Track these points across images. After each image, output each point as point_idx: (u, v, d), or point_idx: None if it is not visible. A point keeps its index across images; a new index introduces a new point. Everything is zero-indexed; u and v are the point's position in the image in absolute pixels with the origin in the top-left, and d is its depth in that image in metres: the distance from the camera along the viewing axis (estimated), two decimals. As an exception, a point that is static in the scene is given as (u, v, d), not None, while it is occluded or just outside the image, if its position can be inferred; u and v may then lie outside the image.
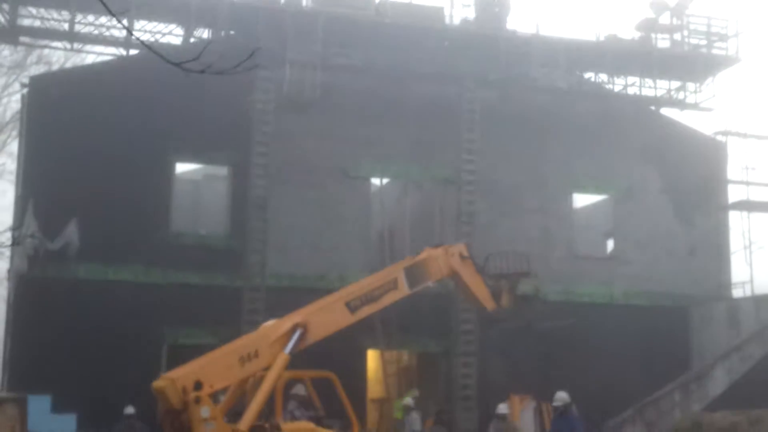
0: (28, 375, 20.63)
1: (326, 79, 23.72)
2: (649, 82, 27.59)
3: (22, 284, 22.11)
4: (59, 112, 22.53)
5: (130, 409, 18.30)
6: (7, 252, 24.29)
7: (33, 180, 22.48)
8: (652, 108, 28.11)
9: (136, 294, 22.04)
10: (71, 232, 21.93)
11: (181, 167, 26.01)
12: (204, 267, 22.74)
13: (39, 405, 19.42)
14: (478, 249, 24.34)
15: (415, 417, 20.58)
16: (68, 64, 36.06)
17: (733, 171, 28.27)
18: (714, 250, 27.24)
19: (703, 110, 28.16)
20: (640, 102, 27.72)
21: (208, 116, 23.30)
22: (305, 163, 24.13)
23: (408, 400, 21.15)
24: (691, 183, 27.34)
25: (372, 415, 24.23)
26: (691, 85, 27.94)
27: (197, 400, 12.08)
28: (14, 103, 35.33)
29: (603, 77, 27.87)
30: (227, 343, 13.72)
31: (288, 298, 22.90)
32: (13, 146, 33.85)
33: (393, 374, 24.39)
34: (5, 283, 29.70)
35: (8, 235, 16.68)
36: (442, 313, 24.23)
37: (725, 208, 27.66)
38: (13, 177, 30.48)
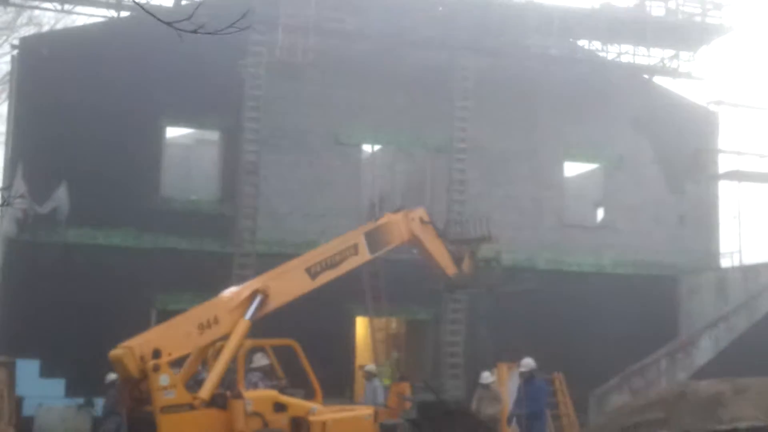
0: (16, 339, 20.64)
1: (319, 44, 23.58)
2: (642, 50, 27.53)
3: (11, 248, 22.06)
4: (49, 74, 22.36)
5: (112, 376, 18.11)
6: (-2, 214, 24.22)
7: (22, 143, 22.35)
8: (646, 76, 28.07)
9: (125, 259, 22.04)
10: (61, 196, 21.88)
11: (172, 131, 25.93)
12: (194, 232, 22.72)
13: (27, 369, 19.51)
14: (469, 217, 24.50)
15: (377, 384, 20.17)
16: (59, 26, 35.75)
17: (724, 141, 28.34)
18: (704, 220, 27.35)
19: (696, 79, 28.12)
20: (634, 70, 27.68)
21: (199, 81, 23.16)
22: (297, 129, 24.06)
23: (370, 367, 20.66)
24: (683, 152, 27.37)
25: (360, 382, 24.31)
26: (684, 54, 27.87)
27: (156, 368, 11.88)
28: (4, 64, 35.09)
29: (597, 45, 27.77)
30: (199, 305, 13.51)
31: (278, 263, 22.97)
32: (3, 108, 33.67)
33: (382, 341, 24.50)
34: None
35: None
36: (431, 280, 24.26)
37: (716, 177, 27.71)
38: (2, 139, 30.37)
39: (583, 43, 27.59)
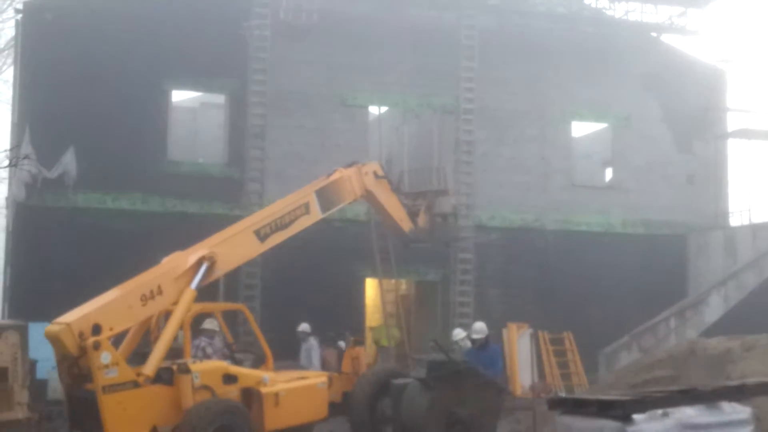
0: (27, 303, 20.73)
1: (323, 5, 23.43)
2: (650, 7, 27.25)
3: (20, 212, 22.14)
4: (53, 39, 22.31)
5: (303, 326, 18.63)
6: (6, 177, 24.26)
7: (29, 108, 22.35)
8: (653, 35, 27.83)
9: (133, 222, 22.10)
10: (68, 161, 21.89)
11: (178, 95, 25.88)
12: (202, 196, 22.76)
13: (40, 333, 19.61)
14: (477, 177, 24.52)
15: (313, 344, 19.23)
16: (62, -10, 35.55)
17: (733, 99, 28.17)
18: (712, 179, 27.25)
19: (704, 37, 27.91)
20: (641, 28, 27.42)
21: (204, 44, 23.07)
22: (303, 92, 24.00)
23: (304, 326, 19.45)
24: (691, 111, 27.21)
25: (369, 343, 24.44)
26: (692, 11, 27.61)
27: (96, 346, 11.13)
28: (9, 29, 34.96)
29: (604, 3, 27.50)
30: (140, 275, 12.73)
31: (286, 226, 23.10)
32: (9, 74, 33.60)
33: (391, 302, 24.53)
34: (4, 212, 29.75)
35: (5, 155, 16.45)
36: (440, 242, 24.30)
37: (724, 136, 27.59)
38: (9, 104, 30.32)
39: (589, 1, 27.36)
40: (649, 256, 25.47)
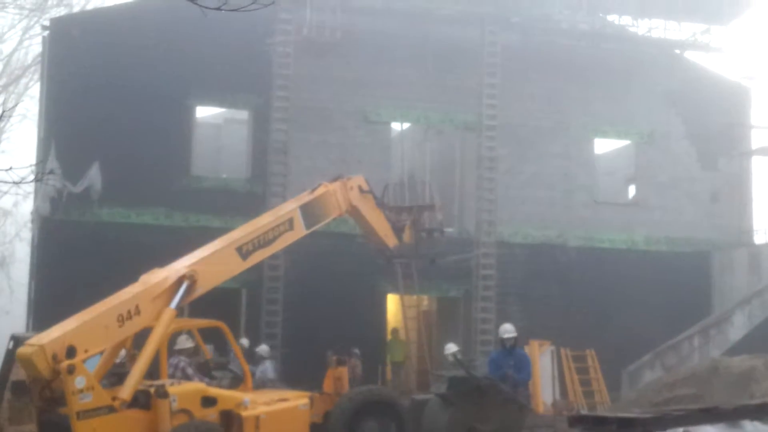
0: (52, 316, 20.69)
1: (346, 21, 23.55)
2: (673, 24, 27.18)
3: (45, 226, 22.34)
4: (80, 55, 22.57)
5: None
6: (31, 192, 24.44)
7: (54, 123, 22.59)
8: (677, 51, 27.75)
9: (157, 237, 22.20)
10: (93, 175, 22.10)
11: (202, 111, 26.06)
12: (225, 210, 22.83)
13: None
14: (499, 194, 24.49)
15: (269, 367, 18.88)
16: (89, 6, 36.01)
17: (757, 116, 28.00)
18: (736, 196, 27.06)
19: (728, 54, 27.77)
20: (664, 45, 27.34)
21: (229, 60, 23.26)
22: (325, 107, 24.09)
23: (263, 348, 19.15)
24: (715, 128, 27.06)
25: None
26: (716, 28, 27.52)
27: (71, 370, 10.42)
28: (36, 45, 35.34)
29: (627, 20, 27.45)
30: (117, 293, 12.12)
31: (308, 242, 23.09)
32: (36, 89, 33.94)
33: (413, 318, 24.50)
34: (29, 226, 29.99)
35: (31, 170, 16.47)
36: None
37: (748, 153, 27.43)
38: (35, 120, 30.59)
39: (612, 18, 27.29)
40: (672, 273, 25.30)
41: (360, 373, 21.17)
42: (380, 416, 13.97)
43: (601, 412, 19.53)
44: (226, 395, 12.40)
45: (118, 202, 22.39)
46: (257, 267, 21.89)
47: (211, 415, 11.84)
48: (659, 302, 24.67)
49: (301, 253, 22.77)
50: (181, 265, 12.54)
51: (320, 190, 15.10)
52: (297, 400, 13.37)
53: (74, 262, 21.60)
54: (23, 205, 37.18)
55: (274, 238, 13.82)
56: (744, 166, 27.33)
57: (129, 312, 11.37)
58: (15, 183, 13.05)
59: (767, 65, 55.66)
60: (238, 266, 13.28)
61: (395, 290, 23.62)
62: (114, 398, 10.86)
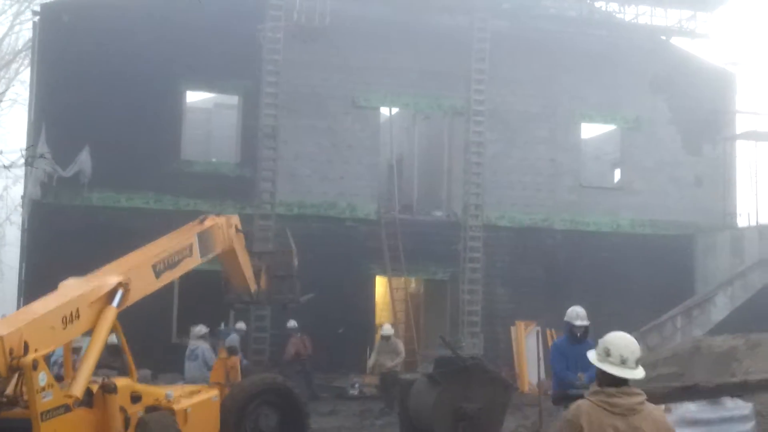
0: (43, 299, 20.99)
1: (336, 7, 23.72)
2: (660, 11, 27.48)
3: (36, 211, 22.48)
4: (70, 40, 22.64)
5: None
6: (22, 176, 24.52)
7: (45, 108, 22.68)
8: (663, 38, 28.02)
9: (147, 221, 22.27)
10: (84, 160, 22.19)
11: (192, 96, 26.19)
12: (214, 195, 22.99)
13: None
14: (486, 178, 24.77)
15: (205, 347, 18.02)
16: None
17: (741, 101, 28.29)
18: (720, 180, 27.38)
19: (713, 40, 28.07)
20: (651, 31, 27.61)
21: (219, 45, 23.37)
22: (315, 93, 24.26)
23: (199, 328, 18.00)
24: (700, 113, 27.34)
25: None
26: (702, 15, 27.79)
27: (35, 365, 9.50)
28: (26, 31, 35.34)
29: (614, 6, 27.75)
30: (52, 295, 11.15)
31: (298, 225, 23.37)
32: (26, 74, 33.99)
33: (401, 300, 24.80)
34: (20, 210, 30.11)
35: (21, 154, 16.42)
36: (449, 241, 24.59)
37: (733, 138, 27.73)
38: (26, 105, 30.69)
39: (600, 4, 27.59)
40: (656, 256, 25.62)
41: (308, 349, 21.54)
42: (276, 405, 13.80)
43: (584, 390, 19.83)
44: (150, 390, 11.81)
45: (109, 186, 22.52)
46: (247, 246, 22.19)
47: (139, 411, 11.18)
48: (643, 284, 25.00)
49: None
50: (104, 275, 11.68)
51: (209, 222, 14.28)
52: (209, 392, 13.04)
53: (65, 245, 21.68)
54: (14, 189, 37.24)
55: (179, 261, 13.05)
56: (728, 150, 27.63)
57: (71, 314, 10.56)
58: (5, 167, 12.88)
59: (752, 51, 55.94)
60: (152, 285, 12.38)
61: (383, 273, 23.95)
62: (67, 396, 9.98)
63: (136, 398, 11.10)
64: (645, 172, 26.82)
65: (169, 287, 19.59)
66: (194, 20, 22.86)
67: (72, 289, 11.13)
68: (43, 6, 24.15)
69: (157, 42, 23.04)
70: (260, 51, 23.57)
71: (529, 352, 21.05)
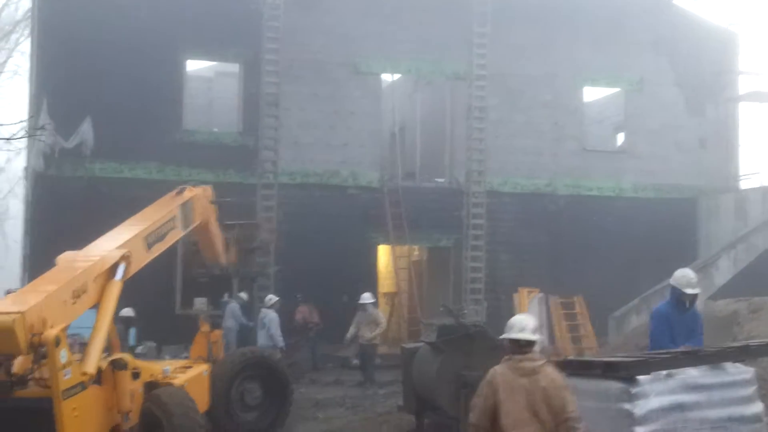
0: (45, 271, 21.02)
1: (336, -27, 23.57)
2: (662, -29, 27.24)
3: (38, 182, 22.49)
4: (70, 9, 22.54)
5: (128, 312, 17.36)
6: (24, 148, 24.49)
7: (46, 79, 22.62)
8: (665, -1, 27.79)
9: (150, 191, 22.10)
10: (86, 131, 22.18)
11: (193, 65, 26.09)
12: (217, 164, 22.98)
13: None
14: (489, 143, 24.71)
15: (273, 316, 18.63)
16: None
17: (745, 62, 28.11)
18: (724, 142, 27.28)
19: (715, 0, 27.83)
20: (653, -8, 27.38)
21: (219, 13, 23.26)
22: (316, 60, 24.15)
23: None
24: (703, 75, 27.18)
25: (383, 309, 24.78)
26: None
27: (58, 342, 9.14)
28: (26, 1, 35.14)
29: (616, -33, 27.49)
30: (55, 270, 10.92)
31: (300, 194, 23.39)
32: (26, 45, 33.85)
33: (404, 269, 24.81)
34: (23, 182, 30.11)
35: (23, 126, 16.35)
36: (452, 208, 24.56)
37: (736, 99, 27.59)
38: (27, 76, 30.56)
39: (602, -35, 27.30)
40: (660, 219, 25.58)
41: (317, 319, 21.84)
42: (261, 378, 14.00)
43: (588, 356, 19.91)
44: (147, 366, 11.74)
45: (111, 157, 22.52)
46: (249, 218, 22.18)
47: (138, 388, 11.04)
48: (646, 248, 24.95)
49: (294, 205, 23.08)
50: (102, 249, 11.55)
51: (189, 194, 14.19)
52: (200, 367, 13.21)
53: (68, 217, 21.67)
54: (16, 161, 37.23)
55: (166, 233, 12.96)
56: (731, 112, 27.51)
57: (81, 288, 10.37)
58: (7, 139, 12.90)
59: (755, 11, 55.48)
60: (145, 257, 12.19)
61: (386, 241, 23.95)
62: (83, 374, 9.72)
63: (135, 374, 10.95)
64: (648, 135, 26.71)
65: (172, 259, 19.76)
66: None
67: (75, 263, 10.94)
68: (41, -24, 24.00)
69: (157, 10, 22.93)
70: (260, 19, 23.42)
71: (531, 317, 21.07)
